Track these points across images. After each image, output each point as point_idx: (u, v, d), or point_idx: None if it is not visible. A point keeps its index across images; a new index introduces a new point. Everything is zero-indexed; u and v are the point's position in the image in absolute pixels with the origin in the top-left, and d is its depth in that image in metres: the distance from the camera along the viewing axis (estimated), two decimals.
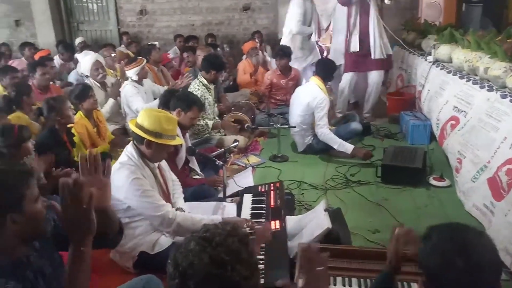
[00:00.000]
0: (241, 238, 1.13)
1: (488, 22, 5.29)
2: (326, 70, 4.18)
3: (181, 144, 3.13)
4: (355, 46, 4.89)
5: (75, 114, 3.54)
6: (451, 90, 3.97)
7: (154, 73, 5.30)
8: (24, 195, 1.35)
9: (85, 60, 4.73)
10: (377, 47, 4.84)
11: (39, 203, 1.40)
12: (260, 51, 6.10)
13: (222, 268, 1.05)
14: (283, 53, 5.14)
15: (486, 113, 3.23)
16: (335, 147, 3.96)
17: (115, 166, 2.37)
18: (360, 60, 4.92)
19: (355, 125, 4.20)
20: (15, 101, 3.76)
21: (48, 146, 2.97)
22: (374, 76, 5.05)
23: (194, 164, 3.36)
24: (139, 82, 4.56)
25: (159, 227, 2.38)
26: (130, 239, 2.38)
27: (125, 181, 2.26)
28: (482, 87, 3.45)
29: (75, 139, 3.48)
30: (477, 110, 3.41)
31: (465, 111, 3.60)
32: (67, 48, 6.48)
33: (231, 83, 6.08)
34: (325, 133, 3.97)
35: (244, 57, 6.20)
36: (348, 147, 3.90)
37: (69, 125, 3.39)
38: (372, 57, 4.88)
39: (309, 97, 4.05)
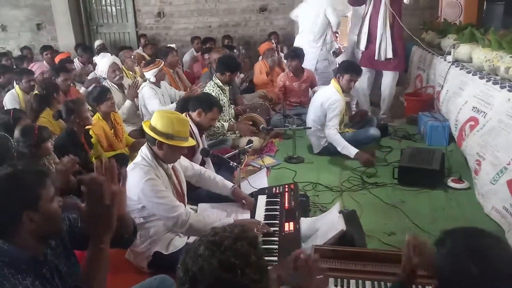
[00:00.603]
0: (250, 241, 1.13)
1: (511, 21, 5.15)
2: (342, 69, 4.14)
3: (198, 145, 3.16)
4: (362, 45, 4.98)
5: (92, 116, 3.61)
6: (471, 91, 3.89)
7: (170, 75, 5.35)
8: (40, 194, 1.39)
9: (102, 62, 4.81)
10: (382, 49, 4.85)
11: (55, 203, 1.43)
12: (276, 52, 6.09)
13: (232, 272, 1.05)
14: (295, 54, 5.12)
15: (507, 114, 3.16)
16: (339, 149, 3.92)
17: (129, 167, 2.41)
18: (371, 58, 4.96)
19: (374, 131, 4.14)
20: (46, 99, 3.85)
21: (66, 148, 3.02)
22: (387, 77, 5.06)
23: (209, 165, 3.37)
24: (157, 84, 4.60)
25: (173, 227, 2.40)
26: (144, 239, 2.41)
27: (139, 181, 2.29)
28: (502, 87, 3.37)
29: (93, 140, 3.54)
30: (497, 111, 3.33)
31: (484, 112, 3.52)
32: (85, 50, 6.61)
33: (247, 84, 6.08)
34: (332, 134, 3.94)
35: (260, 58, 6.20)
36: (351, 151, 3.84)
37: (87, 127, 3.45)
38: (376, 58, 4.90)
39: (323, 98, 4.06)
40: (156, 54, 6.10)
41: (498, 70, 3.52)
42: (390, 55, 4.87)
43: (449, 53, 4.60)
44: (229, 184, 2.88)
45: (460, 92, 4.12)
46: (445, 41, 4.97)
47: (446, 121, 4.33)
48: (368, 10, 4.92)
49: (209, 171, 2.94)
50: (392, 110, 5.29)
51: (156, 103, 4.39)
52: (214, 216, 2.71)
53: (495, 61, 3.60)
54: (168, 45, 7.28)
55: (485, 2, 5.80)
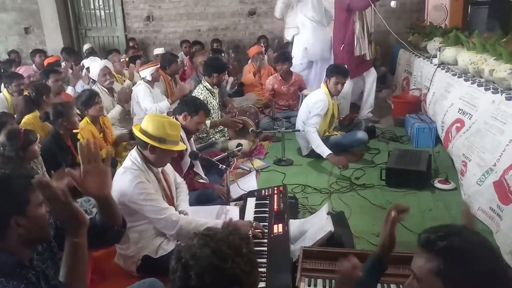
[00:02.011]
0: (242, 237, 1.17)
1: (495, 24, 5.25)
2: (329, 72, 4.21)
3: (186, 149, 3.16)
4: (364, 49, 4.93)
5: (80, 120, 3.60)
6: (456, 93, 3.95)
7: (167, 82, 5.35)
8: (28, 199, 1.39)
9: (94, 66, 4.81)
10: (367, 48, 4.96)
11: (43, 208, 1.43)
12: (265, 56, 6.13)
13: (223, 260, 1.09)
14: (285, 58, 5.17)
15: (491, 116, 3.21)
16: (313, 147, 3.99)
17: (119, 171, 2.41)
18: (360, 64, 5.02)
19: (361, 135, 4.20)
20: (36, 101, 3.83)
21: (53, 152, 3.01)
22: (370, 75, 5.17)
23: (199, 168, 3.38)
24: (152, 84, 4.62)
25: (162, 230, 2.40)
26: (134, 243, 2.41)
27: (129, 185, 2.29)
28: (487, 89, 3.43)
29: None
30: (482, 113, 3.38)
31: (470, 114, 3.58)
32: (70, 54, 6.59)
33: (236, 87, 6.11)
34: (310, 131, 3.98)
35: (249, 61, 6.23)
36: (324, 151, 3.88)
37: (74, 131, 3.44)
38: (368, 58, 5.01)
39: (311, 99, 4.15)
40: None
41: (482, 72, 3.58)
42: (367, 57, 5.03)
43: (435, 56, 4.67)
44: (183, 207, 2.66)
45: (446, 94, 4.18)
46: (431, 44, 5.04)
47: (432, 123, 4.39)
48: (358, 16, 4.89)
49: (184, 189, 2.81)
50: (379, 112, 5.35)
51: (149, 101, 4.44)
52: (204, 219, 2.70)
53: (480, 63, 3.66)
54: (172, 53, 7.26)
55: (469, 6, 5.89)
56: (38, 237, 1.46)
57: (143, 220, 2.39)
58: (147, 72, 4.56)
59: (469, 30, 4.90)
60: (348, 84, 4.98)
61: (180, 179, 2.85)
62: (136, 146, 2.46)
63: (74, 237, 1.41)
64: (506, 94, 3.14)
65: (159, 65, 4.77)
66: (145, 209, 2.32)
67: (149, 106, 4.41)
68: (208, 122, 4.11)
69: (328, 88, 4.12)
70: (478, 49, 3.82)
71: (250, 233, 2.33)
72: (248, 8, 7.80)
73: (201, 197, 3.06)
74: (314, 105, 4.06)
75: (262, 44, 6.57)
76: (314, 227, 2.44)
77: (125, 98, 4.55)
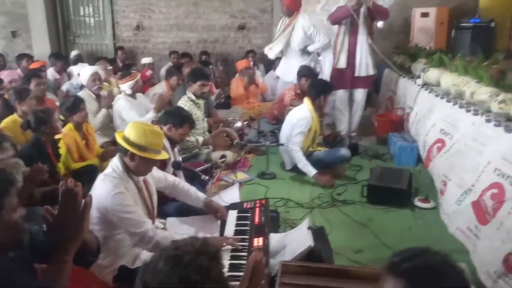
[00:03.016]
0: (211, 256, 1.13)
1: (477, 47, 5.38)
2: (314, 90, 4.24)
3: (169, 158, 3.15)
4: (342, 64, 5.04)
5: (63, 126, 3.55)
6: (439, 113, 4.02)
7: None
8: (2, 203, 1.35)
9: (85, 70, 4.81)
10: (363, 65, 4.97)
11: (16, 213, 1.40)
12: (252, 70, 6.17)
13: None
14: (309, 74, 5.10)
15: (472, 137, 3.27)
16: (299, 166, 4.01)
17: (99, 178, 2.38)
18: (345, 78, 5.05)
19: (344, 152, 4.23)
20: (13, 105, 3.78)
21: (32, 158, 2.95)
22: (359, 95, 5.17)
23: (181, 179, 3.35)
24: (133, 96, 4.60)
25: (137, 244, 2.36)
26: (110, 253, 2.36)
27: (107, 194, 2.25)
28: (468, 111, 3.50)
29: (61, 151, 3.47)
30: (463, 134, 3.45)
31: (451, 134, 3.64)
32: (59, 58, 6.55)
33: (222, 100, 6.13)
34: (295, 150, 4.01)
35: (237, 74, 6.27)
36: (310, 171, 3.93)
37: (56, 137, 3.39)
38: (356, 74, 5.01)
39: (296, 115, 4.16)
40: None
41: (464, 94, 3.66)
42: (372, 71, 5.04)
43: (419, 77, 4.75)
44: (202, 196, 2.87)
45: (428, 115, 4.24)
46: (416, 65, 5.14)
47: (415, 142, 4.45)
48: (345, 27, 4.99)
49: (184, 182, 2.92)
50: (362, 130, 5.42)
51: (133, 115, 4.39)
52: (182, 233, 2.67)
53: (461, 85, 3.74)
54: (172, 66, 7.24)
55: (454, 30, 6.05)
56: (11, 243, 1.42)
57: (119, 230, 2.35)
58: (126, 86, 4.53)
59: (452, 53, 5.01)
60: (336, 97, 5.09)
61: (171, 177, 2.84)
62: (118, 154, 2.44)
63: (66, 254, 1.39)
64: (485, 116, 3.21)
65: (139, 77, 4.72)
66: (122, 221, 2.28)
67: (133, 119, 4.37)
68: (200, 139, 4.11)
69: (313, 105, 4.16)
70: (461, 71, 3.92)
71: (224, 245, 2.33)
72: (238, 22, 7.88)
73: (181, 209, 3.03)
74: (298, 122, 4.07)
75: (250, 58, 6.62)
76: (294, 241, 2.44)
77: (110, 102, 4.56)
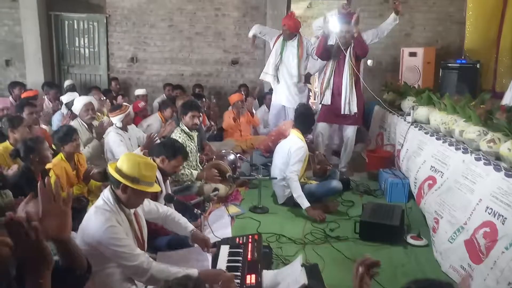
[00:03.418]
0: None
1: (464, 87, 5.56)
2: (304, 123, 4.35)
3: (161, 191, 3.12)
4: (327, 100, 5.23)
5: (54, 155, 3.52)
6: (429, 151, 4.09)
7: (163, 122, 5.62)
8: None
9: (78, 100, 4.81)
10: (347, 104, 5.13)
11: (6, 248, 1.36)
12: (245, 103, 6.26)
13: None
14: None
15: (462, 175, 3.31)
16: (294, 196, 4.03)
17: (90, 210, 2.34)
18: (332, 113, 5.21)
19: (336, 183, 4.27)
20: (5, 132, 3.75)
21: (21, 187, 2.91)
22: (348, 132, 5.32)
23: None
24: (124, 128, 4.59)
25: (132, 276, 2.31)
26: (101, 287, 2.30)
27: (99, 227, 2.21)
28: (457, 149, 3.56)
29: (51, 181, 3.41)
30: (453, 171, 3.50)
31: (441, 172, 3.69)
32: (52, 86, 6.57)
33: (215, 132, 6.16)
34: (293, 179, 4.04)
35: (230, 108, 6.33)
36: (304, 203, 3.96)
37: (47, 166, 3.35)
38: (342, 112, 5.15)
39: (289, 145, 4.23)
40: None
41: (453, 132, 3.74)
42: (355, 109, 5.14)
43: (408, 114, 4.85)
44: (190, 227, 2.84)
45: (419, 152, 4.31)
46: (405, 103, 5.26)
47: (406, 178, 4.49)
48: (331, 67, 5.20)
49: (175, 213, 2.89)
50: (353, 165, 5.48)
51: (122, 150, 4.31)
52: (176, 267, 2.61)
53: (450, 124, 3.83)
54: (164, 101, 7.30)
55: (441, 69, 6.24)
56: None
57: (111, 263, 2.30)
58: (117, 120, 4.52)
59: (440, 91, 5.16)
60: (319, 128, 5.26)
61: (163, 208, 2.82)
62: (109, 185, 2.41)
63: (39, 278, 1.35)
64: (475, 155, 3.26)
65: (130, 110, 4.72)
66: (115, 254, 2.23)
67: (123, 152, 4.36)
68: (195, 173, 4.09)
69: (302, 134, 4.26)
70: (449, 110, 4.01)
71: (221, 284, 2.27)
72: (231, 57, 8.03)
73: (172, 242, 2.98)
74: (296, 151, 4.13)
75: (242, 92, 6.72)
76: (287, 279, 2.40)
77: (102, 133, 4.55)
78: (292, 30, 5.63)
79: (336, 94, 5.18)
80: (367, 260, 1.56)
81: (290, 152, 4.17)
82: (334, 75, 5.20)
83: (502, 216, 2.65)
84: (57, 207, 1.45)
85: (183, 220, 2.86)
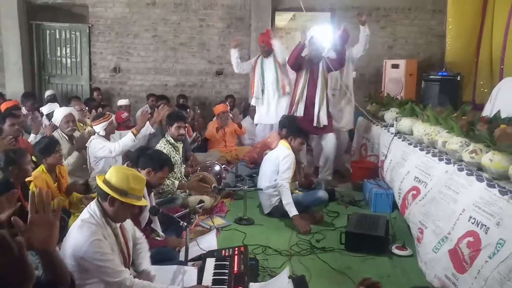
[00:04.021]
0: None
1: (445, 99, 5.67)
2: (293, 128, 4.47)
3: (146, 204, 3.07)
4: (300, 112, 5.29)
5: (34, 168, 3.43)
6: (412, 161, 4.13)
7: None
8: None
9: (59, 111, 4.73)
10: (320, 117, 5.21)
11: None
12: (230, 114, 6.25)
13: None
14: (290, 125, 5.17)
15: (445, 185, 3.36)
16: (284, 202, 4.03)
17: (76, 223, 2.28)
18: (305, 125, 5.17)
19: (322, 194, 4.29)
20: None
21: None
22: (327, 139, 5.37)
23: (156, 225, 3.27)
24: (106, 137, 4.53)
25: None
26: None
27: (85, 241, 2.16)
28: (440, 160, 3.61)
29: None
30: (436, 182, 3.54)
31: (425, 182, 3.73)
32: (28, 98, 6.45)
33: (199, 143, 6.13)
34: (284, 186, 4.06)
35: (214, 118, 6.32)
36: (292, 211, 3.96)
37: (27, 179, 3.27)
38: (314, 124, 5.23)
39: (276, 154, 4.28)
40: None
41: (436, 143, 3.79)
42: (325, 122, 5.24)
43: (392, 125, 4.91)
44: (145, 266, 2.61)
45: (403, 162, 4.36)
46: (389, 114, 5.32)
47: (390, 189, 4.53)
48: (304, 78, 5.26)
49: (145, 246, 2.71)
50: (338, 176, 5.54)
51: (109, 144, 4.34)
52: (160, 284, 2.54)
53: (433, 135, 3.89)
54: (120, 100, 7.28)
55: (423, 81, 6.36)
56: None
57: (94, 279, 2.24)
58: (99, 128, 4.47)
59: (422, 103, 5.25)
60: None
61: (139, 233, 2.74)
62: (96, 198, 2.36)
63: None
64: (458, 165, 3.31)
65: (112, 118, 4.68)
66: (98, 269, 2.17)
67: (111, 146, 4.33)
68: (176, 183, 4.05)
69: (291, 146, 4.29)
70: (432, 121, 4.08)
71: None
72: (215, 67, 8.04)
73: (156, 256, 2.91)
74: (284, 159, 4.17)
75: (228, 103, 6.71)
76: None
77: (83, 144, 4.47)
78: (269, 46, 5.68)
79: (309, 106, 5.24)
80: (367, 280, 1.55)
81: (279, 160, 4.21)
82: (308, 87, 5.26)
83: (485, 225, 2.69)
84: (45, 217, 1.41)
85: (144, 255, 2.66)
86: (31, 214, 1.40)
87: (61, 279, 1.52)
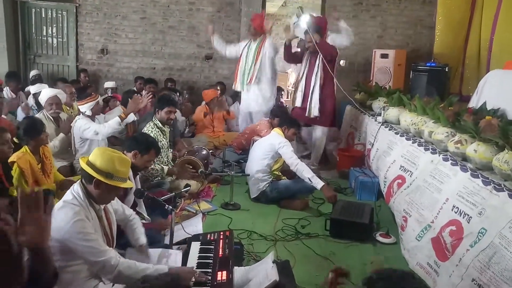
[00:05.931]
0: None
1: (433, 90, 5.71)
2: (285, 118, 4.57)
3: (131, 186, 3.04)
4: (298, 102, 5.41)
5: (17, 149, 3.35)
6: (398, 150, 4.17)
7: None
8: None
9: (45, 92, 4.64)
10: (312, 108, 5.31)
11: None
12: (220, 98, 6.22)
13: None
14: (282, 114, 5.27)
15: (430, 174, 3.40)
16: (308, 176, 4.03)
17: (58, 204, 2.25)
18: (302, 114, 5.34)
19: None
20: None
21: None
22: (317, 131, 5.49)
23: (142, 208, 3.25)
24: (92, 117, 4.46)
25: (99, 273, 2.24)
26: (66, 285, 2.22)
27: (67, 221, 2.13)
28: (426, 149, 3.65)
29: (14, 175, 3.27)
30: (422, 171, 3.58)
31: (411, 171, 3.77)
32: (11, 78, 6.30)
33: (188, 128, 6.09)
34: (300, 164, 4.09)
35: (203, 103, 6.26)
36: (318, 183, 4.00)
37: (10, 160, 3.20)
38: (306, 115, 5.32)
39: (270, 140, 4.33)
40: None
41: (422, 133, 3.83)
42: (316, 113, 5.30)
43: (379, 114, 4.94)
44: (141, 241, 2.67)
45: (389, 151, 4.39)
46: (376, 103, 5.35)
47: (375, 177, 4.57)
48: (304, 70, 5.40)
49: (137, 221, 2.75)
50: (322, 163, 5.62)
51: (94, 126, 4.28)
52: (145, 264, 2.55)
53: (420, 125, 3.92)
54: (107, 82, 7.18)
55: (411, 72, 6.39)
56: None
57: (77, 260, 2.22)
58: (86, 107, 4.39)
59: (410, 93, 5.28)
60: None
61: (129, 211, 2.73)
62: (80, 180, 2.33)
63: None
64: (443, 155, 3.36)
65: (98, 99, 4.61)
66: (82, 250, 2.16)
67: (97, 127, 4.26)
68: (166, 168, 4.01)
69: (284, 135, 4.34)
70: (419, 111, 4.11)
71: (193, 280, 2.24)
72: (204, 52, 7.94)
73: None
74: (283, 144, 4.21)
75: (218, 89, 6.66)
76: (259, 275, 2.39)
77: (69, 127, 4.39)
78: (256, 28, 5.66)
79: (306, 96, 5.34)
80: (339, 270, 1.59)
81: (273, 147, 4.24)
82: (306, 77, 5.36)
83: (468, 215, 2.74)
84: (37, 215, 1.36)
85: (139, 230, 2.71)
86: (21, 212, 1.35)
87: (46, 270, 1.50)
